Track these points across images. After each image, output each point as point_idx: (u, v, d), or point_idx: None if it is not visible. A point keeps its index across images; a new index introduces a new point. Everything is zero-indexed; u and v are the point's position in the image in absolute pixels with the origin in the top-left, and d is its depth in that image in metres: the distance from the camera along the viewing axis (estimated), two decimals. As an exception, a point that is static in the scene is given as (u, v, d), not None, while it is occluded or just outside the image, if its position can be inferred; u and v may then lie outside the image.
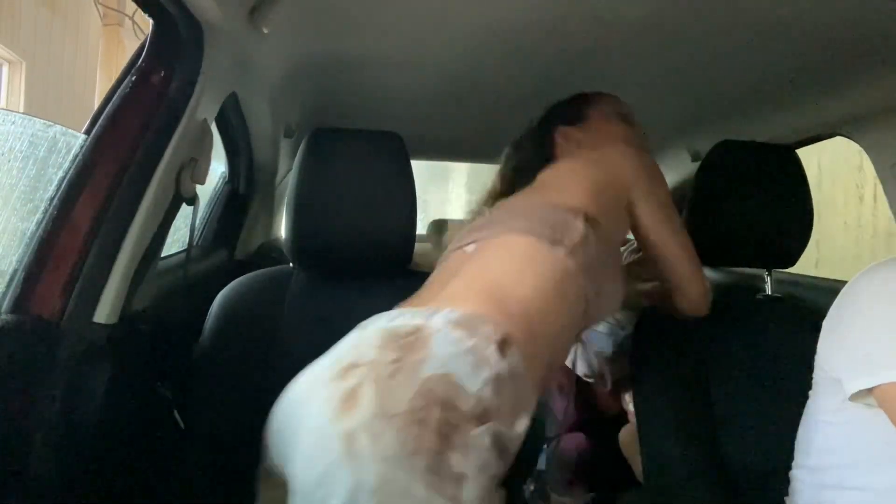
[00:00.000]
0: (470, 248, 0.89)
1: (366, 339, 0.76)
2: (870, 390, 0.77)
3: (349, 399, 0.67)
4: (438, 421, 0.64)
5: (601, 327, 1.72)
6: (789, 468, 0.93)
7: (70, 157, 0.81)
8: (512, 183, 1.11)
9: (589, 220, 0.86)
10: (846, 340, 0.83)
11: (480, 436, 0.65)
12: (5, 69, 4.75)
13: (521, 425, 0.71)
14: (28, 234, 0.78)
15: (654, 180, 1.00)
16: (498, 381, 0.69)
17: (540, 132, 1.14)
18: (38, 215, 0.78)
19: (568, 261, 0.81)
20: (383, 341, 0.74)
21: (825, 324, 0.88)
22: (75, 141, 0.82)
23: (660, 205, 0.98)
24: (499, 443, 0.67)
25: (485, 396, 0.68)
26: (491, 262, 0.85)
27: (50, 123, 0.85)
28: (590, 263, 0.83)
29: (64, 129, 0.86)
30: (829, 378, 0.85)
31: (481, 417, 0.66)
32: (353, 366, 0.71)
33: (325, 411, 0.68)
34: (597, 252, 0.84)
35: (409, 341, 0.73)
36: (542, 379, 0.79)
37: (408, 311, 0.79)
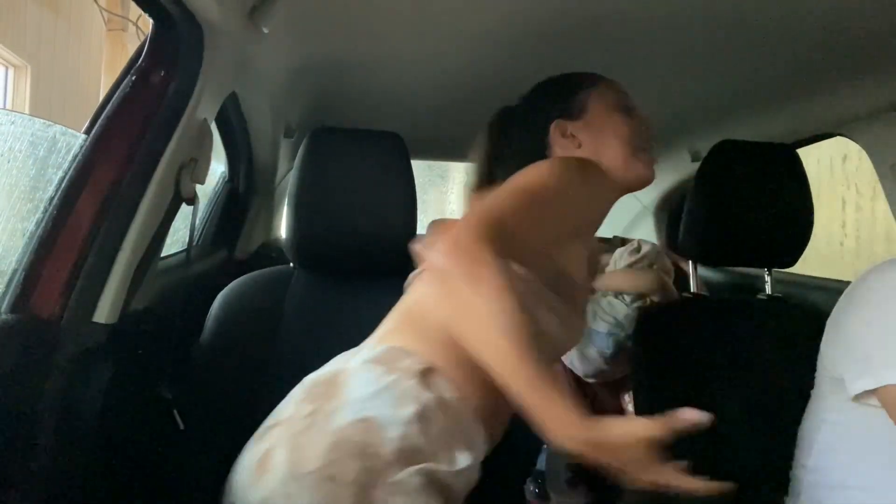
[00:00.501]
0: (421, 274, 0.85)
1: (293, 393, 0.75)
2: (873, 391, 0.77)
3: (263, 462, 0.67)
4: (356, 472, 0.62)
5: (601, 327, 1.72)
6: (789, 468, 0.93)
7: (70, 157, 0.81)
8: (489, 176, 0.95)
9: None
10: (849, 340, 0.83)
11: (408, 479, 0.63)
12: (11, 73, 4.77)
13: (464, 459, 0.67)
14: (28, 234, 0.78)
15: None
16: (424, 416, 0.67)
17: (531, 120, 0.95)
18: (38, 215, 0.78)
19: None
20: (304, 393, 0.73)
21: (829, 323, 0.88)
22: (75, 141, 0.82)
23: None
24: (435, 483, 0.64)
25: (410, 434, 0.65)
26: (418, 290, 0.82)
27: (49, 123, 0.85)
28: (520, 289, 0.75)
29: (64, 128, 0.86)
30: (832, 377, 0.85)
31: (409, 458, 0.64)
32: (273, 425, 0.71)
33: (244, 477, 0.68)
34: (531, 279, 0.77)
35: (326, 389, 0.72)
36: (490, 405, 0.74)
37: (341, 356, 0.79)
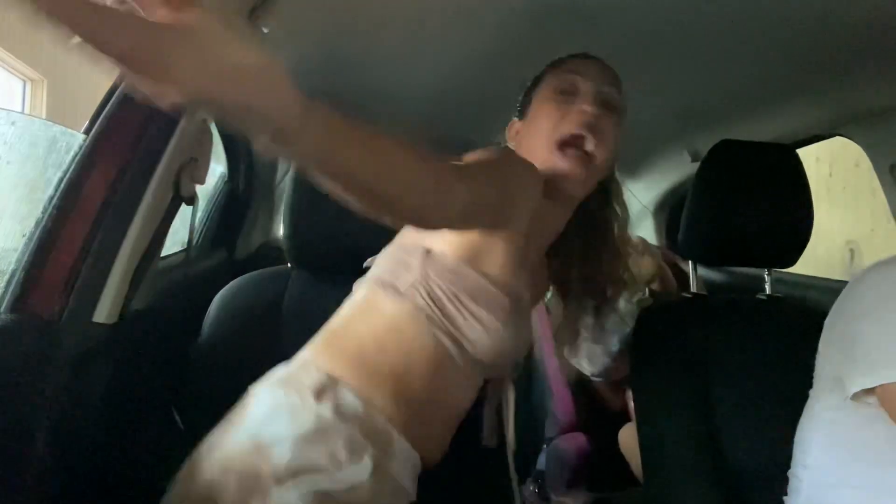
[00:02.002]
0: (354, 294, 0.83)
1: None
2: (871, 390, 0.77)
3: (172, 494, 0.69)
4: (235, 493, 0.63)
5: (606, 325, 1.71)
6: (789, 468, 0.93)
7: (70, 156, 0.81)
8: None
9: (431, 254, 0.75)
10: (848, 339, 0.83)
11: (286, 494, 0.62)
12: (28, 87, 4.82)
13: (360, 470, 0.66)
14: (28, 234, 0.78)
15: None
16: (320, 431, 0.66)
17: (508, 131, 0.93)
18: (38, 215, 0.78)
19: (401, 304, 0.73)
20: (222, 421, 0.74)
21: (827, 321, 0.88)
22: (74, 140, 0.83)
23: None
24: (321, 496, 0.63)
25: (299, 452, 0.65)
26: (342, 309, 0.81)
27: (50, 123, 0.85)
28: (437, 300, 0.72)
29: (63, 128, 0.86)
30: (831, 377, 0.85)
31: (295, 476, 0.63)
32: (192, 454, 0.72)
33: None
34: (451, 286, 0.73)
35: (233, 414, 0.73)
36: (412, 412, 0.73)
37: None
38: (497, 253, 0.75)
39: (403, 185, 0.54)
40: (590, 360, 1.73)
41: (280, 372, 0.76)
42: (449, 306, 0.72)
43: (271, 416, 0.69)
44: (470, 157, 0.73)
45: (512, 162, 0.78)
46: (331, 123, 0.46)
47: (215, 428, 0.73)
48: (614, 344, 1.65)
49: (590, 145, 0.80)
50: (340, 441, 0.66)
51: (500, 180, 0.71)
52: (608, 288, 0.97)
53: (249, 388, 0.76)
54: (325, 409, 0.68)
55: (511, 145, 0.89)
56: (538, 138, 0.83)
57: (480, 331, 0.73)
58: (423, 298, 0.72)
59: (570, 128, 0.80)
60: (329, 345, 0.77)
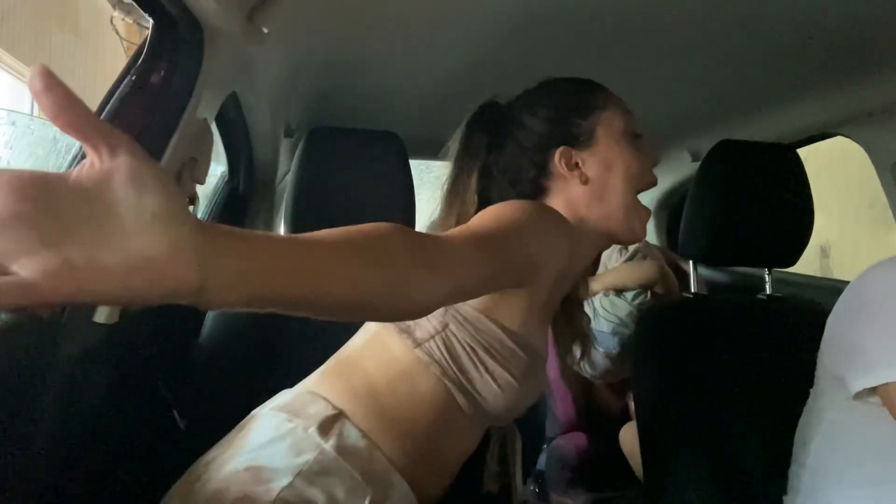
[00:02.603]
0: None
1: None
2: (873, 389, 0.77)
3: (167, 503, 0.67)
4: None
5: (604, 327, 1.72)
6: (789, 467, 0.93)
7: (70, 157, 0.81)
8: (483, 189, 0.81)
9: (450, 305, 0.71)
10: (849, 339, 0.83)
11: None
12: None
13: None
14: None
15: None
16: (320, 465, 0.65)
17: (531, 136, 0.81)
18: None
19: (415, 352, 0.71)
20: (223, 439, 0.73)
21: (829, 321, 0.88)
22: (74, 141, 0.82)
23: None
24: None
25: (297, 485, 0.63)
26: (355, 340, 0.79)
27: (49, 123, 0.85)
28: (454, 354, 0.70)
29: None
30: (832, 376, 0.85)
31: None
32: (185, 474, 0.71)
33: None
34: (469, 341, 0.70)
35: (234, 436, 0.71)
36: (417, 457, 0.71)
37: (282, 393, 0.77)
38: (518, 307, 0.72)
39: (356, 283, 0.47)
40: (589, 362, 1.73)
41: (285, 397, 0.75)
42: (465, 361, 0.70)
43: (273, 443, 0.67)
44: (489, 217, 0.67)
45: (543, 225, 0.71)
46: (247, 267, 0.40)
47: (214, 446, 0.72)
48: (614, 346, 1.65)
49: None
50: (339, 481, 0.65)
51: (524, 247, 0.66)
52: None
53: (253, 410, 0.75)
54: (329, 446, 0.66)
55: (565, 174, 0.80)
56: (624, 186, 0.79)
57: (495, 387, 0.71)
58: (440, 351, 0.70)
59: (651, 179, 0.81)
60: (339, 376, 0.75)
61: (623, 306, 1.69)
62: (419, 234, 0.55)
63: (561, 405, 1.83)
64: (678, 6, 0.96)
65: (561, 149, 0.79)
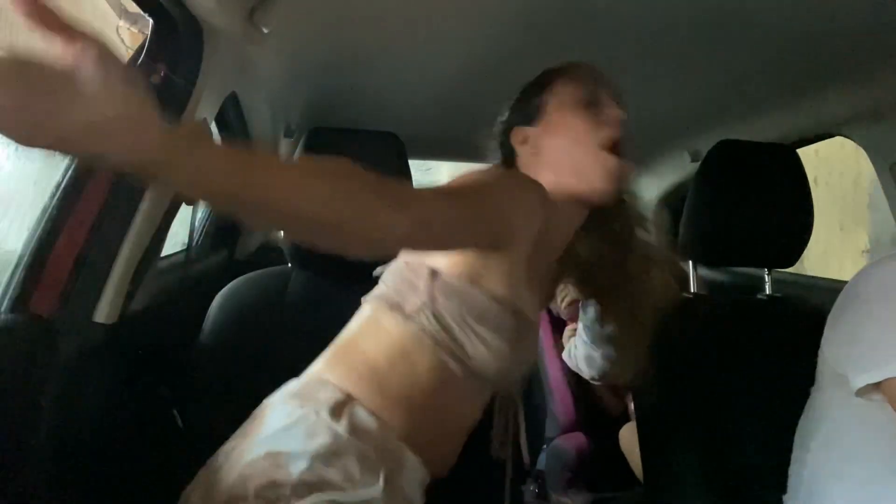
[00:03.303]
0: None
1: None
2: (876, 385, 0.77)
3: (184, 501, 0.70)
4: (253, 501, 0.63)
5: (606, 329, 1.72)
6: (788, 466, 0.93)
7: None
8: None
9: (437, 275, 0.74)
10: (851, 336, 0.83)
11: None
12: None
13: (373, 489, 0.67)
14: (28, 233, 0.78)
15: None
16: (335, 447, 0.67)
17: (500, 128, 0.91)
18: (38, 215, 0.78)
19: (407, 326, 0.74)
20: (238, 430, 0.75)
21: (829, 319, 0.88)
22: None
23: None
24: None
25: (316, 466, 0.66)
26: (351, 324, 0.81)
27: None
28: (444, 323, 0.73)
29: None
30: (834, 373, 0.85)
31: (312, 490, 0.64)
32: (206, 464, 0.72)
33: None
34: (457, 308, 0.73)
35: (249, 425, 0.74)
36: (423, 431, 0.73)
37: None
38: (502, 272, 0.75)
39: (324, 204, 0.51)
40: (588, 363, 1.73)
41: (293, 385, 0.77)
42: (455, 329, 0.73)
43: (287, 429, 0.70)
44: (459, 178, 0.72)
45: (510, 184, 0.76)
46: (212, 153, 0.46)
47: (232, 437, 0.74)
48: (612, 351, 1.65)
49: (624, 155, 0.81)
50: (355, 459, 0.67)
51: (492, 202, 0.70)
52: (637, 289, 0.95)
53: (264, 400, 0.77)
54: (341, 428, 0.69)
55: (521, 151, 0.86)
56: (572, 147, 0.81)
57: (486, 351, 0.73)
58: (430, 322, 0.73)
59: (609, 137, 0.80)
60: (340, 361, 0.77)
61: None
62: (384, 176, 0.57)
63: (561, 405, 1.83)
64: (678, 7, 0.96)
65: (514, 129, 0.87)
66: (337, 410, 0.70)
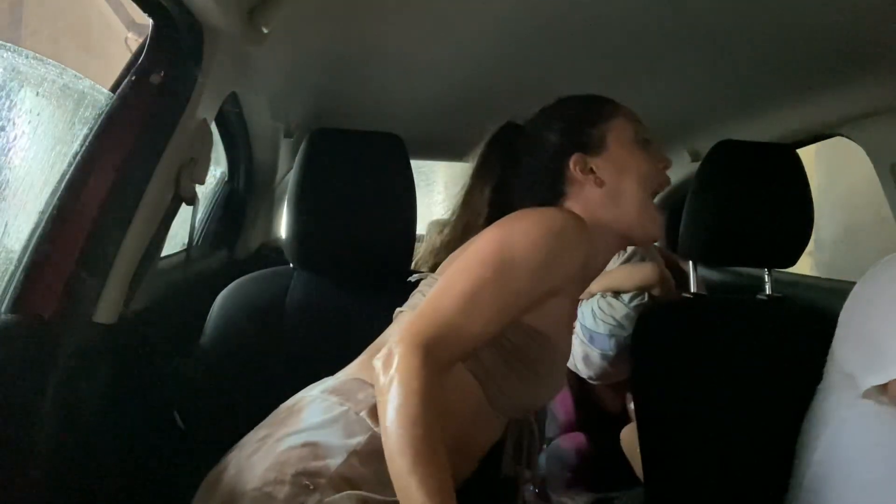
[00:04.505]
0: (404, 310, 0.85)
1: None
2: (883, 386, 0.77)
3: (215, 480, 0.71)
4: (290, 491, 0.64)
5: (601, 328, 1.72)
6: (789, 466, 0.93)
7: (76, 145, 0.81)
8: (500, 200, 0.89)
9: None
10: (860, 336, 0.83)
11: (339, 499, 0.64)
12: None
13: None
14: (28, 232, 0.78)
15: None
16: (370, 448, 0.68)
17: (545, 148, 0.88)
18: (38, 214, 0.78)
19: None
20: (269, 418, 0.77)
21: (840, 318, 0.88)
22: (101, 97, 0.83)
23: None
24: None
25: (352, 463, 0.67)
26: (391, 329, 0.83)
27: (80, 76, 0.84)
28: (483, 354, 0.75)
29: (92, 83, 0.86)
30: (843, 373, 0.85)
31: (347, 485, 0.65)
32: (234, 448, 0.74)
33: (200, 493, 0.72)
34: (496, 340, 0.74)
35: (285, 416, 0.75)
36: (453, 440, 0.73)
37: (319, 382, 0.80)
38: (549, 314, 0.76)
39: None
40: (586, 363, 1.73)
41: (332, 382, 0.78)
42: (492, 361, 0.74)
43: (325, 424, 0.71)
44: (496, 244, 0.74)
45: (558, 245, 0.75)
46: None
47: (262, 424, 0.76)
48: (611, 348, 1.65)
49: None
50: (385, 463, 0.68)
51: (564, 259, 0.74)
52: None
53: (300, 393, 0.78)
54: (379, 430, 0.69)
55: (581, 179, 0.85)
56: (637, 188, 0.84)
57: (520, 385, 0.76)
58: (473, 355, 0.74)
59: (663, 180, 0.86)
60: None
61: (620, 308, 1.70)
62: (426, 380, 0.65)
63: (561, 405, 1.83)
64: (678, 7, 0.96)
65: (575, 156, 0.85)
66: (375, 413, 0.71)
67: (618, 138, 0.86)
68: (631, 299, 1.71)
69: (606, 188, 0.84)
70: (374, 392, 0.72)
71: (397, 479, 0.61)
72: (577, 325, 1.79)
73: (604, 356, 1.72)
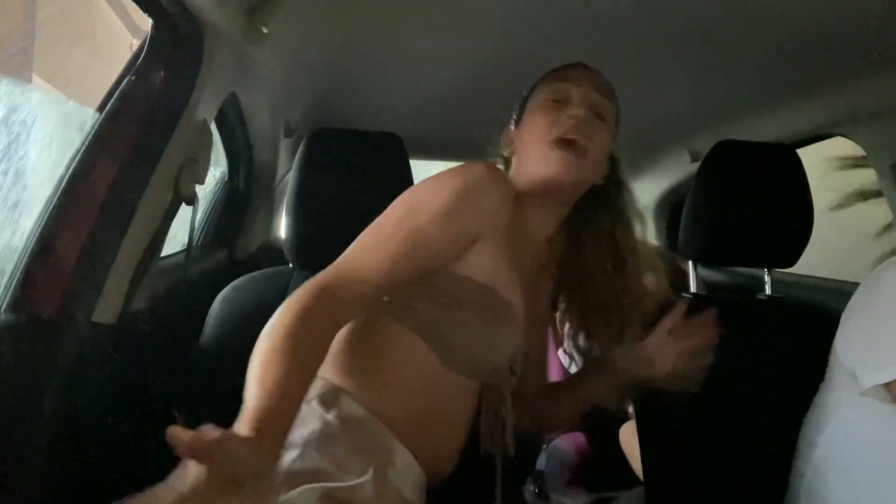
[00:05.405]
0: None
1: None
2: (885, 385, 0.77)
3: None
4: (248, 491, 0.63)
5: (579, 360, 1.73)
6: (790, 466, 0.93)
7: (70, 154, 0.81)
8: None
9: None
10: (863, 334, 0.83)
11: (298, 498, 0.63)
12: None
13: (363, 476, 0.67)
14: (28, 233, 0.78)
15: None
16: (325, 435, 0.68)
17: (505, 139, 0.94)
18: (38, 214, 0.78)
19: (389, 318, 0.76)
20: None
21: (843, 317, 0.88)
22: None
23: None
24: (330, 499, 0.65)
25: (307, 455, 0.66)
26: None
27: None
28: (423, 309, 0.75)
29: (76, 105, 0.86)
30: (845, 371, 0.85)
31: (304, 479, 0.65)
32: None
33: None
34: (433, 296, 0.76)
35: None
36: (414, 418, 0.74)
37: None
38: (474, 260, 0.77)
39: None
40: (577, 367, 1.74)
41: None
42: (435, 316, 0.75)
43: (304, 424, 0.70)
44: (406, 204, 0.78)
45: (463, 191, 0.77)
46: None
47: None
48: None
49: (583, 143, 0.82)
50: (344, 447, 0.68)
51: (435, 231, 0.74)
52: (621, 316, 0.95)
53: None
54: (331, 416, 0.70)
55: (505, 153, 0.92)
56: (532, 142, 0.85)
57: (467, 336, 0.75)
58: (410, 313, 0.75)
59: (561, 130, 0.82)
60: (333, 354, 0.77)
61: None
62: (318, 296, 0.67)
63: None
64: (678, 7, 0.96)
65: (505, 130, 0.93)
66: (327, 400, 0.71)
67: (531, 105, 0.89)
68: None
69: (518, 154, 0.89)
70: (325, 383, 0.73)
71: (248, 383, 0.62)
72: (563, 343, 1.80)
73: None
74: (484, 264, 0.77)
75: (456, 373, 0.77)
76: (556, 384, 1.06)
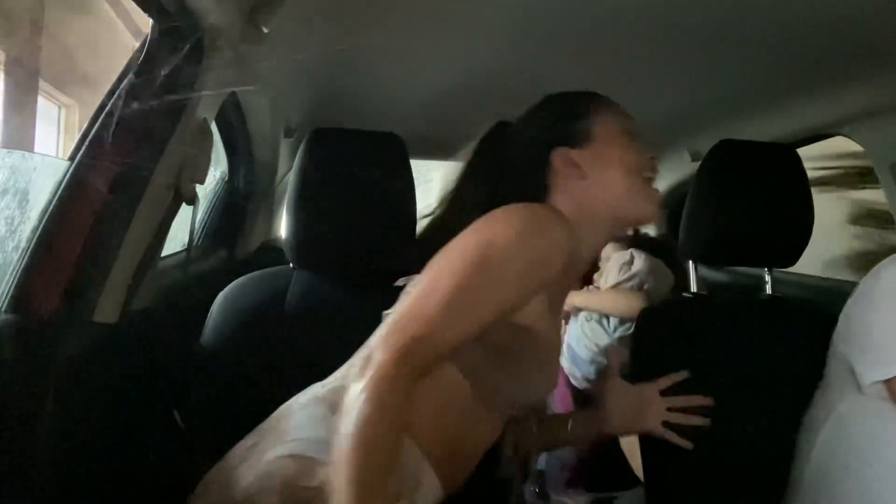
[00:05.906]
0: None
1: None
2: (884, 382, 0.77)
3: (202, 492, 0.72)
4: (277, 499, 0.65)
5: (583, 353, 1.74)
6: (790, 466, 0.93)
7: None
8: (491, 195, 0.85)
9: None
10: (862, 332, 0.83)
11: None
12: (63, 112, 5.02)
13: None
14: (27, 233, 0.78)
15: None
16: None
17: (531, 143, 0.87)
18: (38, 214, 0.78)
19: None
20: (260, 425, 0.76)
21: (842, 315, 0.89)
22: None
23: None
24: None
25: None
26: (378, 331, 0.80)
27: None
28: (473, 353, 0.74)
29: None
30: (844, 369, 0.85)
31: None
32: (224, 458, 0.74)
33: None
34: (485, 342, 0.74)
35: (273, 424, 0.75)
36: (445, 449, 0.74)
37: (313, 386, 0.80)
38: (535, 309, 0.76)
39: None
40: (571, 377, 1.76)
41: (319, 389, 0.78)
42: (483, 359, 0.74)
43: (313, 433, 0.71)
44: (473, 252, 0.72)
45: (533, 243, 0.74)
46: None
47: (251, 433, 0.76)
48: (591, 373, 1.71)
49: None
50: None
51: (549, 255, 0.73)
52: None
53: (289, 401, 0.78)
54: None
55: (564, 172, 0.85)
56: (622, 174, 0.84)
57: (510, 381, 0.75)
58: (458, 354, 0.73)
59: (650, 169, 0.87)
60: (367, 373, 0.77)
61: (603, 336, 1.71)
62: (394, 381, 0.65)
63: (560, 405, 1.83)
64: (678, 7, 0.96)
65: (558, 149, 0.84)
66: None
67: (604, 131, 0.85)
68: (615, 328, 1.71)
69: (591, 180, 0.83)
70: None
71: (338, 491, 0.59)
72: (564, 341, 1.80)
73: (585, 378, 1.74)
74: (539, 310, 0.76)
75: (488, 410, 0.77)
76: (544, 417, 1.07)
